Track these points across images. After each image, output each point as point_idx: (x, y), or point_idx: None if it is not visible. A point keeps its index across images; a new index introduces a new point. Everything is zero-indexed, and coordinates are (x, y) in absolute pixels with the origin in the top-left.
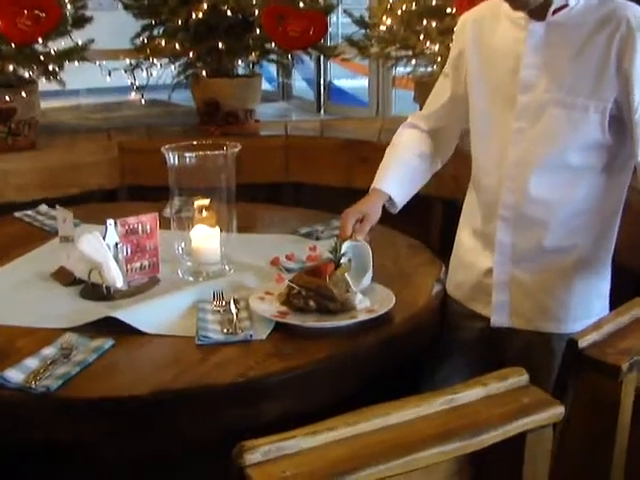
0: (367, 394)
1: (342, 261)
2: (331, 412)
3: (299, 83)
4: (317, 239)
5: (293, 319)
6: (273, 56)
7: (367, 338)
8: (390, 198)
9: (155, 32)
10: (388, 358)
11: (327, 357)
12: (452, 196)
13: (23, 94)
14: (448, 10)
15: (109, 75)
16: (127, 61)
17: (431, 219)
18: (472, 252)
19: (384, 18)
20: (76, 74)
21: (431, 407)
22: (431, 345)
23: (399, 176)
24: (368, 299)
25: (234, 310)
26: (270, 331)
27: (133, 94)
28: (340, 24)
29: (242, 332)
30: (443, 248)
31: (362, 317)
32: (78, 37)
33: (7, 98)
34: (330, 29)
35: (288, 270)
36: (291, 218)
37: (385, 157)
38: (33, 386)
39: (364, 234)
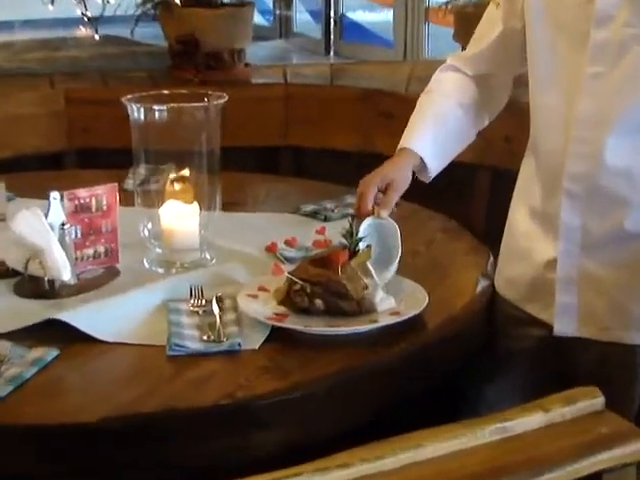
0: (391, 421)
1: (360, 247)
2: (342, 445)
3: (302, 16)
4: (326, 219)
5: (294, 323)
6: None
7: (391, 348)
8: (422, 161)
9: None
10: (418, 374)
11: (338, 373)
12: (503, 164)
13: None
14: None
15: (51, 3)
16: None
17: (475, 194)
18: (529, 238)
19: None
20: (9, 1)
21: (477, 438)
22: (475, 358)
23: (435, 132)
24: (393, 297)
25: (217, 311)
26: (264, 339)
27: (83, 28)
28: None
29: (227, 340)
30: (490, 232)
31: (385, 321)
32: None
33: None
34: None
35: (288, 259)
36: (292, 192)
37: (417, 108)
38: None
39: (390, 208)
